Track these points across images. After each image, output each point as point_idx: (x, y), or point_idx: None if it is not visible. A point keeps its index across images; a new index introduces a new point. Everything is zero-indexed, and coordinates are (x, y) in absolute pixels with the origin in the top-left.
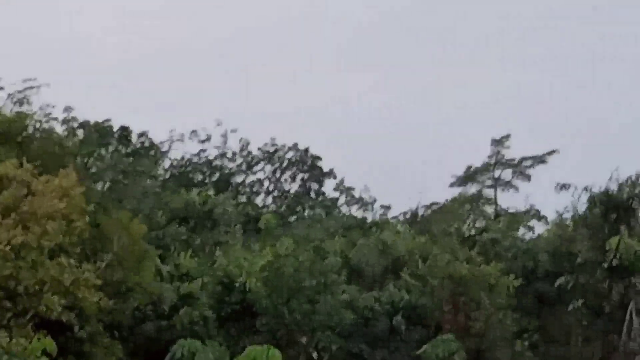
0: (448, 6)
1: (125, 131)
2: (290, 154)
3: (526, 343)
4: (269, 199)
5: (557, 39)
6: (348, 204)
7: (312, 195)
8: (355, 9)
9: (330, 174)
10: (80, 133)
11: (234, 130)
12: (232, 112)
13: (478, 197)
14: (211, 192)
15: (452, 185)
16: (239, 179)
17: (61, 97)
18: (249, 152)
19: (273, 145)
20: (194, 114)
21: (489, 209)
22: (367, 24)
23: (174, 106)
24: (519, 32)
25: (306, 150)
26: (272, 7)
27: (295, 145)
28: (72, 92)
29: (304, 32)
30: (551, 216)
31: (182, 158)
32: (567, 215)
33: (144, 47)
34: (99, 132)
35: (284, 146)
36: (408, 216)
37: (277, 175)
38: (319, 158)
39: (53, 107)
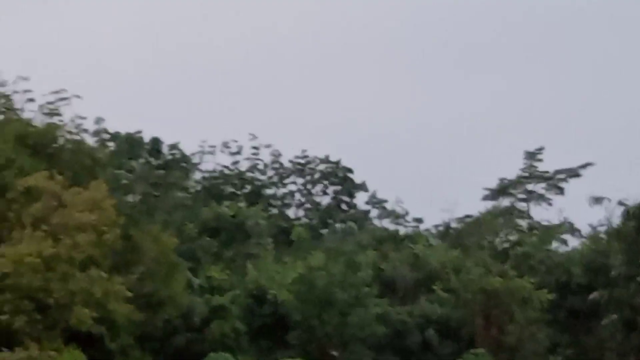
0: (479, 14)
1: (156, 143)
2: (321, 167)
3: (559, 358)
4: (301, 212)
5: (593, 51)
6: (380, 216)
7: (344, 208)
8: (383, 14)
9: (362, 186)
10: (111, 145)
11: (267, 146)
12: (264, 123)
13: (511, 210)
14: (242, 205)
15: (485, 198)
16: (270, 191)
17: (93, 109)
18: (281, 164)
19: (304, 157)
20: (225, 125)
21: (522, 222)
22: (397, 33)
23: (206, 117)
24: (553, 42)
25: (337, 162)
26: (304, 18)
27: (327, 157)
28: (104, 103)
29: (337, 42)
30: (585, 230)
31: (214, 170)
32: (601, 229)
33: (177, 59)
34: (130, 144)
35: (315, 158)
36: (440, 229)
37: (309, 187)
38: (350, 170)
39: (84, 118)
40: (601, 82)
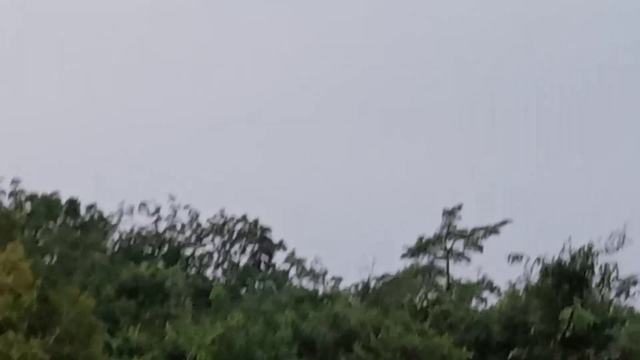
0: (396, 78)
1: (73, 204)
2: (239, 226)
3: None
4: (219, 272)
5: (508, 110)
6: (299, 275)
7: (263, 267)
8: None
9: (281, 245)
10: (27, 206)
11: (186, 207)
12: (180, 183)
13: (430, 268)
14: (161, 265)
15: (403, 256)
16: (188, 251)
17: (9, 170)
18: (199, 224)
19: (222, 217)
20: (143, 186)
21: (441, 281)
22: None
23: (123, 178)
24: (471, 101)
25: (256, 221)
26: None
27: (245, 216)
28: (20, 164)
29: (252, 102)
30: (504, 287)
31: (131, 230)
32: (520, 286)
33: (94, 118)
34: (47, 205)
35: (233, 218)
36: (360, 288)
37: (227, 247)
38: (268, 230)
39: (0, 179)
40: (517, 140)
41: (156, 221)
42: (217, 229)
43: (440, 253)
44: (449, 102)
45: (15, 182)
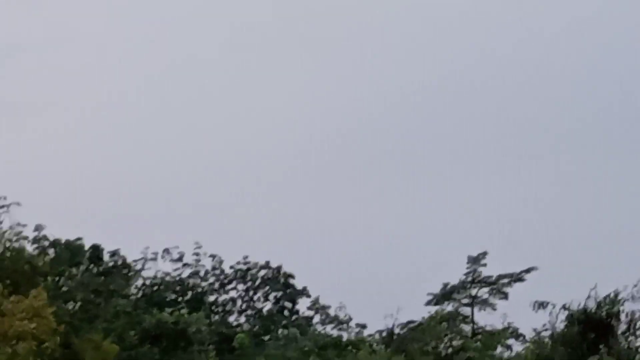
0: (419, 123)
1: (96, 250)
2: (262, 272)
3: None
4: (242, 318)
5: (531, 156)
6: (323, 322)
7: (286, 313)
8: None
9: (304, 292)
10: (51, 252)
11: (212, 256)
12: (204, 228)
13: (455, 315)
14: (184, 311)
15: (428, 303)
16: (212, 297)
17: (32, 216)
18: (222, 271)
19: (245, 263)
20: (167, 232)
21: (466, 328)
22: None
23: (147, 224)
24: (496, 146)
25: (279, 268)
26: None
27: (268, 263)
28: (43, 210)
29: (272, 147)
30: (529, 334)
31: (155, 277)
32: (545, 334)
33: (118, 164)
34: (70, 251)
35: (256, 264)
36: (384, 335)
37: (250, 294)
38: (292, 276)
39: (24, 225)
40: (542, 186)
41: (180, 268)
42: (241, 275)
43: (465, 300)
44: (476, 149)
45: (38, 228)
